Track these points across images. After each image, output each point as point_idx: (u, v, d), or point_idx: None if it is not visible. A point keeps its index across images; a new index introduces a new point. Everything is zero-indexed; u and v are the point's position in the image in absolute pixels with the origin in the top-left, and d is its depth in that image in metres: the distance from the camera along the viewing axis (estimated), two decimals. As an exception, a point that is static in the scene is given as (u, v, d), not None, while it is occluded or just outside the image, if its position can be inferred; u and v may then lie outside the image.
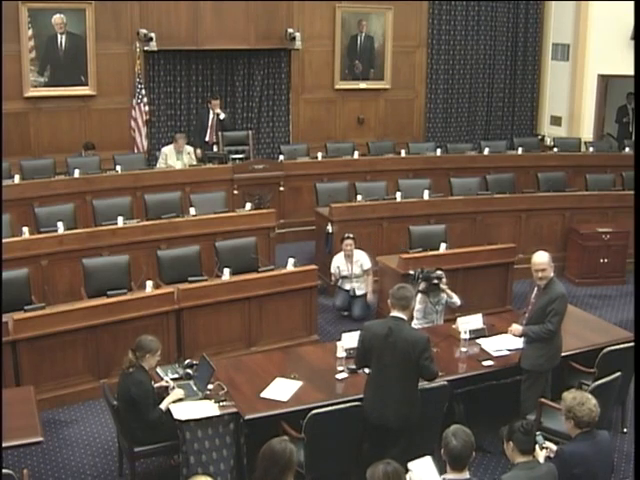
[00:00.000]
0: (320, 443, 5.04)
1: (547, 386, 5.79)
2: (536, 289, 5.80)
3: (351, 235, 8.25)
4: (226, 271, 7.31)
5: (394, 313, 5.10)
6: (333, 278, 8.40)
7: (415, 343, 4.98)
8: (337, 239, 8.84)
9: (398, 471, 3.94)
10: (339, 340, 6.09)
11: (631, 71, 10.70)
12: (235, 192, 9.92)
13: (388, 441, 5.04)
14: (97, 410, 6.52)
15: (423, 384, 5.29)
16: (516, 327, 5.85)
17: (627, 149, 11.86)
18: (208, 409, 5.30)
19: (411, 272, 7.19)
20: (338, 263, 8.34)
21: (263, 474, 3.94)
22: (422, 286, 7.03)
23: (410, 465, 4.28)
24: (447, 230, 8.61)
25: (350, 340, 5.94)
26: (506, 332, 6.04)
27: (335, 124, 12.92)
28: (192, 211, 8.81)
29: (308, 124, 12.70)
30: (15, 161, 9.95)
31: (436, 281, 7.00)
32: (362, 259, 8.31)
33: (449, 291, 7.14)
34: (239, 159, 10.58)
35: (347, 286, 8.38)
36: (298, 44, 11.78)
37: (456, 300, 7.17)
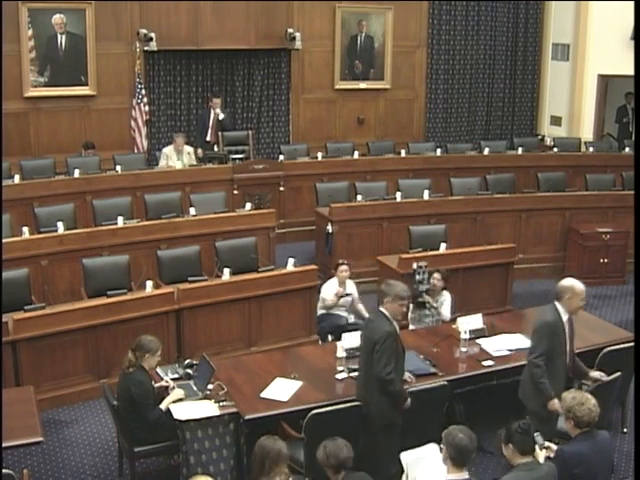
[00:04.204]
0: (320, 443, 5.02)
1: None
2: (568, 324, 5.27)
3: (346, 262, 7.50)
4: (226, 271, 7.31)
5: (379, 307, 5.21)
6: (335, 298, 7.45)
7: (374, 333, 5.01)
8: (337, 239, 8.84)
9: (338, 445, 4.24)
10: (339, 340, 6.09)
11: (631, 71, 10.70)
12: (235, 192, 9.92)
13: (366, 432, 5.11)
14: (97, 410, 6.52)
15: (424, 384, 5.29)
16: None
17: (627, 149, 11.85)
18: (208, 409, 5.30)
19: (414, 266, 7.16)
20: (331, 290, 7.43)
21: (259, 468, 4.15)
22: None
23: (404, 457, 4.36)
24: (447, 230, 8.61)
25: (350, 340, 5.94)
26: (506, 332, 5.99)
27: (335, 124, 12.91)
28: (192, 211, 8.81)
29: (308, 124, 12.69)
30: (15, 161, 9.94)
31: (421, 299, 6.99)
32: (352, 290, 7.52)
33: (444, 307, 7.07)
34: (239, 159, 10.57)
35: (336, 312, 7.53)
36: (298, 44, 11.78)
37: (445, 317, 7.04)
